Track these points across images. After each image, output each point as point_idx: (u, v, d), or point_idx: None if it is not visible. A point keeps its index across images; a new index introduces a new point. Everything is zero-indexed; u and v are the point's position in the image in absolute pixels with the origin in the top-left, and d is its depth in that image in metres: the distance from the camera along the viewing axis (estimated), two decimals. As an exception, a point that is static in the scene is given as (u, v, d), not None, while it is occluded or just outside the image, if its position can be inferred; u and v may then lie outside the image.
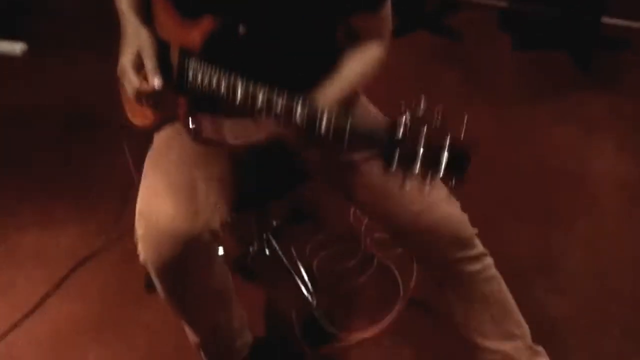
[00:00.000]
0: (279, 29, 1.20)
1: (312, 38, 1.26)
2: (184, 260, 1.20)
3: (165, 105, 1.25)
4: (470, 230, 1.32)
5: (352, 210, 1.98)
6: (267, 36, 1.19)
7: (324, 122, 1.03)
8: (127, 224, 1.33)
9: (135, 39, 1.22)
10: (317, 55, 1.28)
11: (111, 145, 1.80)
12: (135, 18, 1.26)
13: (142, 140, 1.40)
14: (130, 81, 1.17)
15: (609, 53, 2.88)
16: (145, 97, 1.18)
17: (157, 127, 1.35)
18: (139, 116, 1.37)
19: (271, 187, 1.47)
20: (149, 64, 1.17)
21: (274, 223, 1.98)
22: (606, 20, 2.97)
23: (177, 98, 1.23)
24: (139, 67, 1.18)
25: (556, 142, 2.41)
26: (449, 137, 0.88)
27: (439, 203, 1.27)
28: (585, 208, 2.12)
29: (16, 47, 2.97)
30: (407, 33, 2.99)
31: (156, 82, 1.15)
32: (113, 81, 1.34)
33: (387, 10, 1.28)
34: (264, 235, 1.90)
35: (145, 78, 1.17)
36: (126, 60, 1.19)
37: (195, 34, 1.18)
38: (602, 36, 2.92)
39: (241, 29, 1.18)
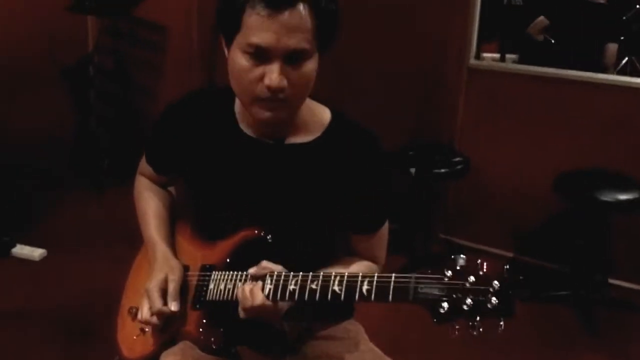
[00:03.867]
0: (297, 234, 1.31)
1: (321, 240, 1.36)
2: None
3: (171, 324, 1.32)
4: None
5: None
6: (287, 240, 1.29)
7: (365, 285, 1.08)
8: None
9: (165, 265, 1.34)
10: (323, 254, 1.36)
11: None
12: (166, 248, 1.39)
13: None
14: (154, 302, 1.27)
15: (616, 315, 2.92)
16: (159, 322, 1.28)
17: (157, 352, 1.37)
18: (139, 345, 1.40)
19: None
20: (172, 287, 1.29)
21: None
22: (614, 281, 3.08)
23: (188, 316, 1.31)
24: (164, 291, 1.29)
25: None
26: (496, 281, 0.92)
27: None
28: None
29: (35, 253, 3.08)
30: (412, 272, 3.08)
31: (174, 306, 1.27)
32: (119, 296, 1.46)
33: (383, 234, 1.38)
34: None
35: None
36: (153, 284, 1.29)
37: (221, 249, 1.31)
38: (609, 297, 2.99)
39: (270, 238, 1.28)
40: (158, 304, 1.26)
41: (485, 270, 0.97)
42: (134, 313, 1.42)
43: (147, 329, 1.38)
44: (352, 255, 1.38)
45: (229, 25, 1.15)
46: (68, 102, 3.96)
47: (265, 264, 1.21)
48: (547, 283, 3.09)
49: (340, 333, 1.43)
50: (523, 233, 3.30)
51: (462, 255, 1.00)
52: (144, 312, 1.29)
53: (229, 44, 1.17)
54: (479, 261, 0.99)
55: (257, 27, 1.10)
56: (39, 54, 3.65)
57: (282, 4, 1.08)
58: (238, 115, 1.32)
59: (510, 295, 0.92)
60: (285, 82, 1.13)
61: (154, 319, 1.28)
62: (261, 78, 1.14)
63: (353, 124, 1.31)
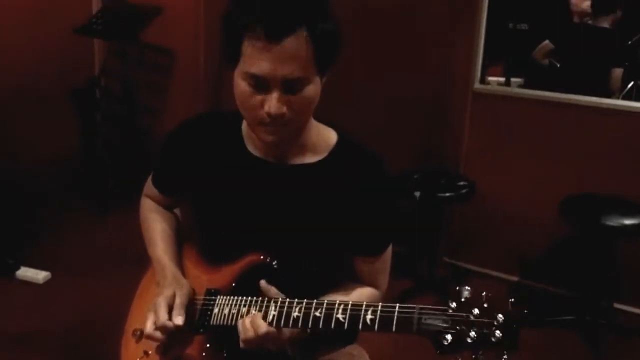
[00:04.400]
0: (302, 256, 1.31)
1: (327, 265, 1.35)
2: None
3: (175, 347, 1.31)
4: None
5: None
6: (293, 264, 1.30)
7: (369, 315, 1.08)
8: None
9: (174, 283, 1.33)
10: (328, 278, 1.36)
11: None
12: (176, 269, 1.39)
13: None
14: (159, 315, 1.25)
15: (622, 340, 2.90)
16: (162, 336, 1.26)
17: None
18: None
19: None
20: (178, 300, 1.28)
21: None
22: (619, 306, 3.06)
23: (192, 340, 1.30)
24: (170, 307, 1.28)
25: None
26: (500, 314, 0.92)
27: None
28: None
29: (40, 276, 3.08)
30: (417, 296, 3.10)
31: (178, 320, 1.25)
32: (123, 320, 1.45)
33: (386, 259, 1.38)
34: None
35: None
36: (162, 298, 1.29)
37: (227, 274, 1.31)
38: (615, 322, 2.97)
39: (275, 264, 1.28)
40: (163, 317, 1.24)
41: (489, 302, 0.96)
42: (138, 335, 1.42)
43: (150, 352, 1.37)
44: (355, 279, 1.38)
45: (229, 54, 1.17)
46: (74, 125, 3.99)
47: (275, 290, 1.21)
48: (553, 308, 3.07)
49: (343, 358, 1.43)
50: (528, 257, 3.28)
51: (466, 287, 0.99)
52: (149, 326, 1.27)
53: (232, 69, 1.20)
54: (484, 293, 0.98)
55: (255, 58, 1.12)
56: (46, 77, 3.69)
57: (278, 35, 1.10)
58: (245, 137, 1.33)
59: (515, 329, 0.92)
60: (284, 109, 1.15)
61: (158, 334, 1.26)
62: (262, 104, 1.16)
63: (358, 145, 1.32)
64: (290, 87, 1.15)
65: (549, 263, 3.24)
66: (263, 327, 1.16)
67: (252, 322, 1.17)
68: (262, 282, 1.21)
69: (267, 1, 1.11)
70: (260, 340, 1.17)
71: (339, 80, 1.20)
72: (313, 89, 1.18)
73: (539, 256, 3.26)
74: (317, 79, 1.18)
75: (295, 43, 1.11)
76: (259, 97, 1.16)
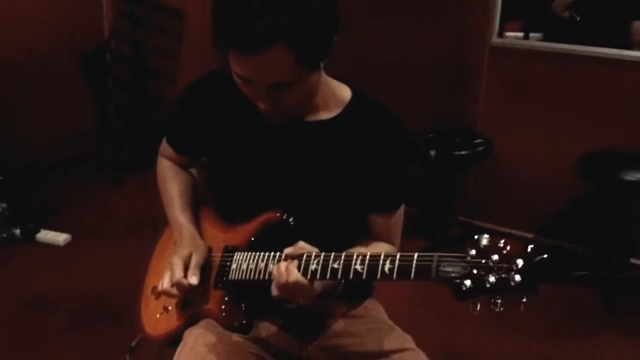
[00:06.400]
0: (318, 213, 1.31)
1: (342, 221, 1.36)
2: None
3: (194, 303, 1.35)
4: None
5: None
6: (309, 221, 1.29)
7: (387, 264, 1.08)
8: None
9: (191, 243, 1.36)
10: (345, 236, 1.36)
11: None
12: (193, 229, 1.41)
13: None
14: (175, 273, 1.28)
15: (638, 295, 2.90)
16: (178, 293, 1.31)
17: (180, 330, 1.39)
18: (162, 323, 1.42)
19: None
20: (193, 262, 1.31)
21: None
22: (635, 261, 3.04)
23: (211, 295, 1.33)
24: (186, 266, 1.31)
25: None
26: (520, 259, 0.91)
27: None
28: None
29: (60, 238, 3.12)
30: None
31: (193, 279, 1.28)
32: (141, 282, 1.50)
33: (399, 217, 1.38)
34: None
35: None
36: (179, 256, 1.31)
37: (244, 231, 1.32)
38: (630, 277, 2.96)
39: (292, 221, 1.29)
40: (179, 274, 1.27)
41: (508, 249, 0.96)
42: (157, 292, 1.44)
43: (170, 308, 1.40)
44: (369, 237, 1.38)
45: (219, 49, 1.16)
46: (86, 92, 3.98)
47: (302, 244, 1.21)
48: (568, 264, 3.06)
49: (360, 311, 1.45)
50: (544, 215, 3.27)
51: (485, 235, 0.99)
52: (165, 282, 1.31)
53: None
54: (503, 240, 0.98)
55: (238, 64, 1.13)
56: (56, 45, 3.67)
57: (254, 49, 1.08)
58: None
59: (534, 273, 0.92)
60: (272, 107, 1.17)
61: (174, 290, 1.30)
62: (254, 95, 1.18)
63: (373, 101, 1.32)
64: (278, 88, 1.14)
65: (565, 220, 3.22)
66: (294, 275, 1.16)
67: (287, 268, 1.17)
68: (288, 250, 1.21)
69: (245, 12, 1.07)
70: (291, 288, 1.17)
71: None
72: (303, 87, 1.17)
73: (555, 213, 3.24)
74: (308, 75, 1.16)
75: (274, 55, 1.08)
76: (250, 90, 1.18)
